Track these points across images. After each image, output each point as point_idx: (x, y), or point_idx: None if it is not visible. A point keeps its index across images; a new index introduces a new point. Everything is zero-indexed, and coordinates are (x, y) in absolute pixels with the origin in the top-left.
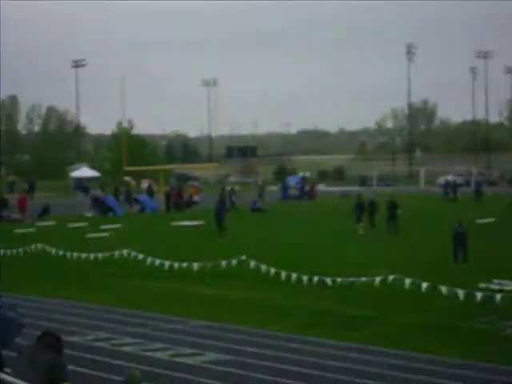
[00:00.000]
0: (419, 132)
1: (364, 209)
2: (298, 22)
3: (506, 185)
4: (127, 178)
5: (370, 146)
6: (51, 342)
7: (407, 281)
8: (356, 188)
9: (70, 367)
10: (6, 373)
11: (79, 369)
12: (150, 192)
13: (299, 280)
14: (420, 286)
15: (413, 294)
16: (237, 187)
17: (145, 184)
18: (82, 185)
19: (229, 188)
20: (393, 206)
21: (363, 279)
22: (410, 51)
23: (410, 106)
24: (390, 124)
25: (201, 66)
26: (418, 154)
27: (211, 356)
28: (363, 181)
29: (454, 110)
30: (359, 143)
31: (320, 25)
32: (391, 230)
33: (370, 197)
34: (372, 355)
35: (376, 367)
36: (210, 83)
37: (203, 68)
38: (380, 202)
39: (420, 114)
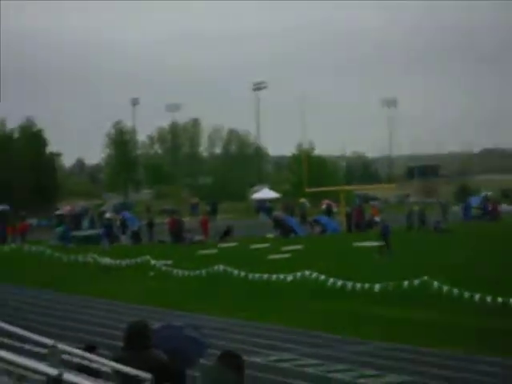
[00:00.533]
0: None
1: None
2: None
3: None
4: (302, 200)
5: None
6: (232, 361)
7: None
8: None
9: None
10: None
11: None
12: (329, 212)
13: (484, 301)
14: None
15: None
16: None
17: (324, 205)
18: (264, 206)
19: (417, 208)
20: None
21: None
22: None
23: None
24: None
25: (380, 85)
26: None
27: (392, 378)
28: None
29: None
30: None
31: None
32: None
33: None
34: None
35: None
36: (389, 103)
37: (382, 87)
38: None
39: None
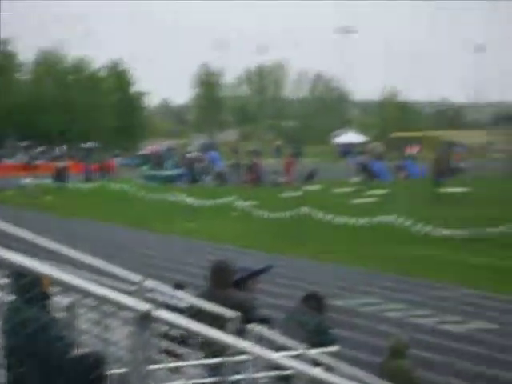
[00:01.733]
0: None
1: None
2: None
3: None
4: (375, 143)
5: None
6: (316, 304)
7: None
8: None
9: (335, 331)
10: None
11: (345, 333)
12: (415, 158)
13: None
14: None
15: None
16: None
17: (412, 150)
18: (349, 150)
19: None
20: None
21: None
22: None
23: None
24: None
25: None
26: None
27: (478, 324)
28: None
29: None
30: None
31: None
32: None
33: None
34: None
35: None
36: (478, 48)
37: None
38: None
39: None
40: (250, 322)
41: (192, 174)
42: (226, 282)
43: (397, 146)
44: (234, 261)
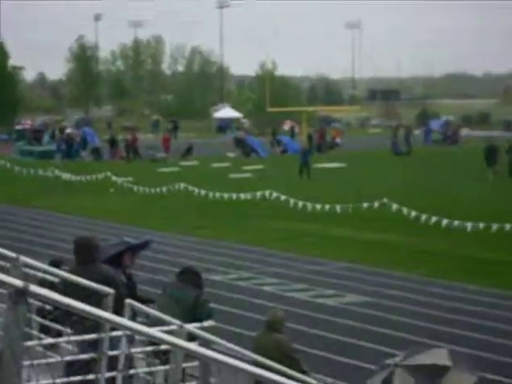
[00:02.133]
0: None
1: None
2: None
3: None
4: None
5: None
6: (192, 278)
7: None
8: (500, 133)
9: (212, 305)
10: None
11: (222, 307)
12: (292, 133)
13: (439, 224)
14: None
15: None
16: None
17: (286, 125)
18: (226, 125)
19: (403, 128)
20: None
21: (507, 226)
22: None
23: None
24: None
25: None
26: None
27: (351, 298)
28: (509, 126)
29: None
30: (505, 87)
31: None
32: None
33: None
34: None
35: None
36: (353, 25)
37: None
38: None
39: None
40: (123, 298)
41: (68, 150)
42: (90, 258)
43: (272, 122)
44: (106, 237)
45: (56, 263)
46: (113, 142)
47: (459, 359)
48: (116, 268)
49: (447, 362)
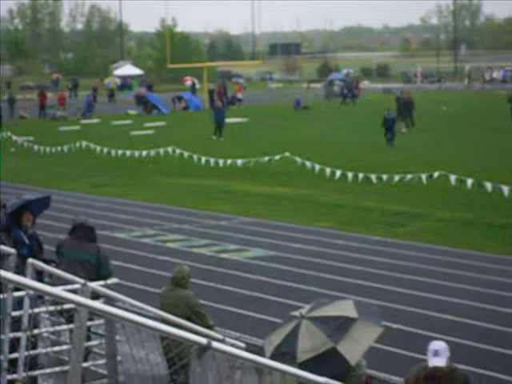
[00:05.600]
0: (464, 28)
1: (408, 106)
2: None
3: None
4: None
5: (415, 42)
6: (86, 234)
7: (452, 178)
8: (400, 85)
9: (117, 263)
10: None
11: (127, 264)
12: (193, 89)
13: (344, 177)
14: (465, 182)
15: (459, 190)
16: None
17: (188, 81)
18: (126, 83)
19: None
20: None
21: (408, 176)
22: None
23: (455, 2)
24: (434, 20)
25: None
26: (462, 50)
27: (256, 252)
28: (407, 78)
29: (498, 7)
30: (403, 40)
31: None
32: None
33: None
34: (416, 251)
35: (420, 263)
36: None
37: None
38: (424, 100)
39: (465, 9)
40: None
41: None
42: None
43: (173, 78)
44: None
45: None
46: (12, 102)
47: (365, 311)
48: (17, 228)
49: (354, 314)
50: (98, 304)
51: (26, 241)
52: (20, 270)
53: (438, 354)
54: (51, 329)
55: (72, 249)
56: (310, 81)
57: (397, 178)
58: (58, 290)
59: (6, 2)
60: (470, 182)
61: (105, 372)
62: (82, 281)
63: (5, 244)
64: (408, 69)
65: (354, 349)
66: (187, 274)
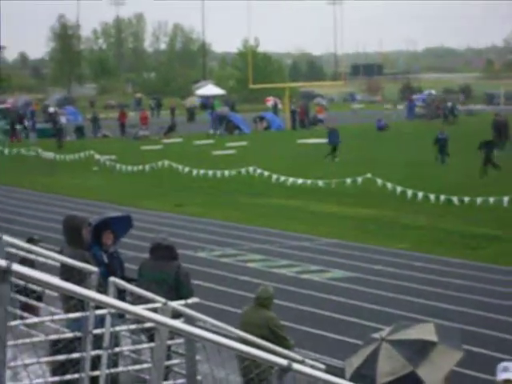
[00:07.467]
0: None
1: (505, 129)
2: None
3: None
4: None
5: (498, 64)
6: (166, 253)
7: None
8: (483, 106)
9: (198, 282)
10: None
11: (207, 284)
12: (275, 110)
13: (426, 198)
14: None
15: None
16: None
17: (270, 102)
18: (208, 102)
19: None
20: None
21: (491, 199)
22: None
23: None
24: None
25: None
26: None
27: (336, 273)
28: (490, 99)
29: None
30: (487, 61)
31: None
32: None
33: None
34: (497, 274)
35: (501, 286)
36: (335, 1)
37: None
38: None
39: None
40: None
41: (56, 129)
42: (79, 239)
43: (255, 98)
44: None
45: (31, 241)
46: (95, 121)
47: (446, 334)
48: (96, 247)
49: (434, 338)
50: (178, 323)
51: (105, 260)
52: (102, 288)
53: (507, 370)
54: (132, 347)
55: (151, 270)
56: (393, 102)
57: (479, 200)
58: (138, 309)
59: (90, 22)
60: None
61: None
62: (162, 300)
63: (88, 262)
64: (491, 90)
65: (433, 373)
66: (272, 295)
